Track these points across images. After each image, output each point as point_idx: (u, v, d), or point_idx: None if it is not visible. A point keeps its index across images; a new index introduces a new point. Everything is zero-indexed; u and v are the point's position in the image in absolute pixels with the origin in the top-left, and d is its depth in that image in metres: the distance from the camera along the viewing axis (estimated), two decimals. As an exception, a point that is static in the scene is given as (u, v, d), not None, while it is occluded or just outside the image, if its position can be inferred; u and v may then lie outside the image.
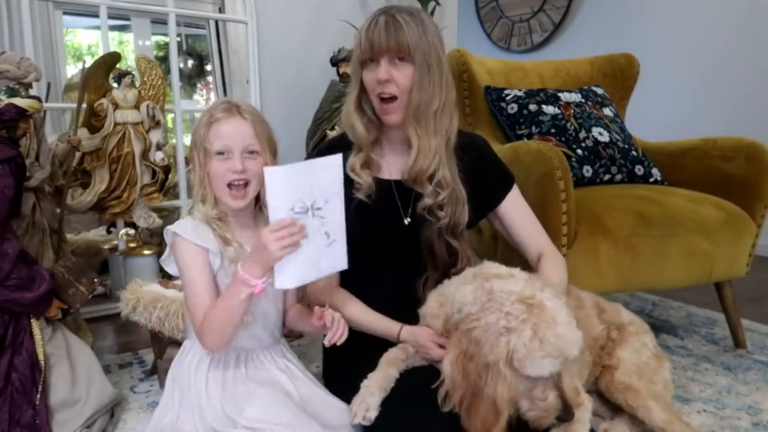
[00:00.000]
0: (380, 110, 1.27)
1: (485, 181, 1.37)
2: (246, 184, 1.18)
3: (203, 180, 1.19)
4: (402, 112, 1.26)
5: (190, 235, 1.15)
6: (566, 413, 1.05)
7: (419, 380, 1.13)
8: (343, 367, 1.33)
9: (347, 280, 1.35)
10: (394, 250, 1.33)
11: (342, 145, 1.34)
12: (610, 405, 1.32)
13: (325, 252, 1.12)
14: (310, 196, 1.07)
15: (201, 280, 1.15)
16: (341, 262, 1.15)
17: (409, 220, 1.31)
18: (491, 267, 1.16)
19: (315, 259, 1.10)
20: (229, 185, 1.17)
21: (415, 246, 1.31)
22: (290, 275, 1.07)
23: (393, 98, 1.24)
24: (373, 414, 1.09)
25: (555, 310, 1.01)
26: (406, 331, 1.22)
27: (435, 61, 1.23)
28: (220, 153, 1.16)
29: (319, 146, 1.62)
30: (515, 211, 1.40)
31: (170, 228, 1.18)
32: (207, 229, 1.18)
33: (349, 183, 1.29)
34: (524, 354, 0.97)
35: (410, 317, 1.24)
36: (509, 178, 1.42)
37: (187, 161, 1.24)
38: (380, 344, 1.23)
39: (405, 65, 1.22)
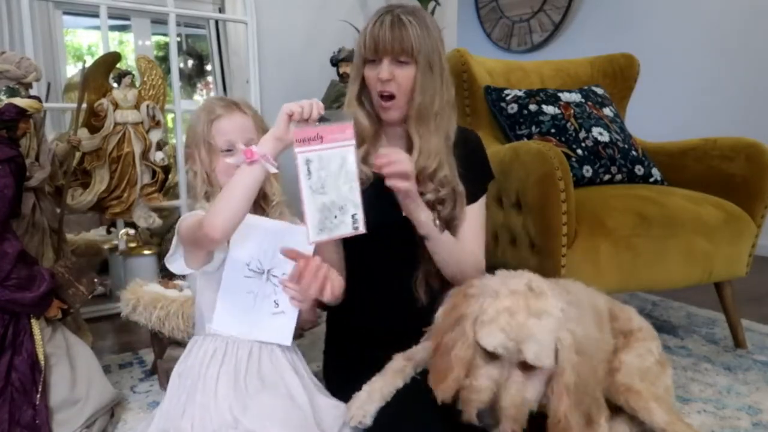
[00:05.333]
0: (379, 107, 1.29)
1: (471, 176, 1.35)
2: None
3: (207, 176, 1.19)
4: (400, 110, 1.27)
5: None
6: None
7: (416, 386, 1.13)
8: (343, 368, 1.32)
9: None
10: (390, 244, 1.30)
11: None
12: (609, 405, 1.32)
13: (268, 320, 1.14)
14: (270, 262, 1.10)
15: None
16: (283, 337, 1.17)
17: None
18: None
19: (255, 320, 1.13)
20: None
21: (411, 240, 1.30)
22: (224, 320, 1.12)
23: (392, 96, 1.25)
24: (369, 421, 1.10)
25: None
26: None
27: (437, 62, 1.25)
28: (226, 150, 1.18)
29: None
30: (471, 214, 1.35)
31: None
32: None
33: None
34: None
35: (408, 315, 1.24)
36: (489, 179, 1.42)
37: (186, 159, 1.25)
38: (380, 343, 1.22)
39: (407, 66, 1.23)
